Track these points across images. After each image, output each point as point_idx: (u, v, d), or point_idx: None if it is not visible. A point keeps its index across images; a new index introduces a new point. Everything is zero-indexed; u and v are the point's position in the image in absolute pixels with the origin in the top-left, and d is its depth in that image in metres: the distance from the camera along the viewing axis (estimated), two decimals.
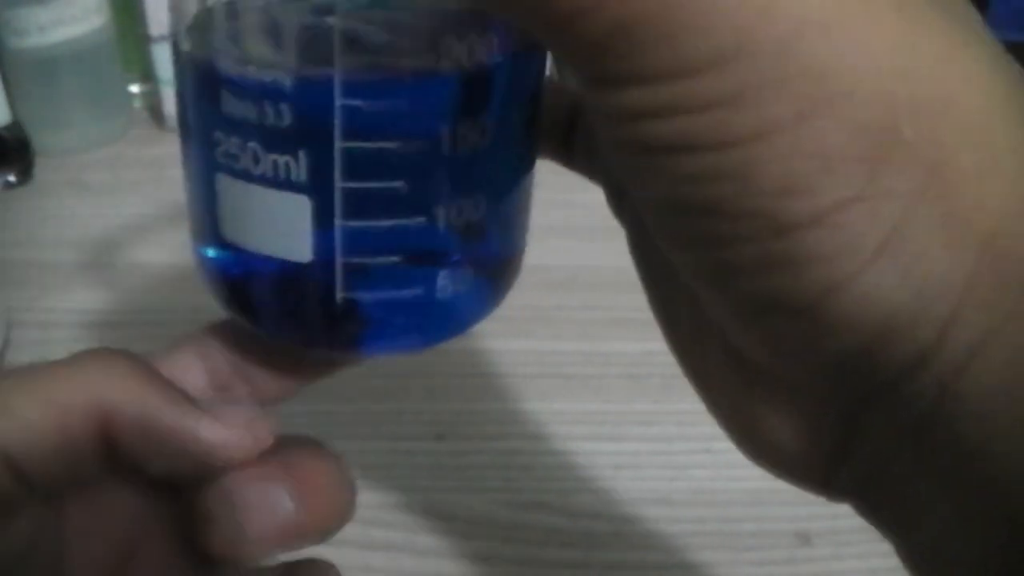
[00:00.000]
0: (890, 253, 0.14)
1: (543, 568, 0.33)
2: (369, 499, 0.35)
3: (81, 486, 0.20)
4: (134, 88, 0.64)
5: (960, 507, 0.15)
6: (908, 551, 0.17)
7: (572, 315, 0.45)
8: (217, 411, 0.20)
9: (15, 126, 0.54)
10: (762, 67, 0.14)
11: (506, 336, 0.43)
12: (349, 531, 0.34)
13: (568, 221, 0.50)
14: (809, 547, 0.33)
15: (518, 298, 0.46)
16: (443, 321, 0.22)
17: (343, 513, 0.22)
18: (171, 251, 0.46)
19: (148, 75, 0.62)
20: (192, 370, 0.22)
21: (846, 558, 0.33)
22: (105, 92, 0.58)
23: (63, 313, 0.44)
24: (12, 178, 0.54)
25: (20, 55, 0.54)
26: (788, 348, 0.16)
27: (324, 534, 0.22)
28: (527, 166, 0.22)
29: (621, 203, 0.23)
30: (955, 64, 0.14)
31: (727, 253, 0.15)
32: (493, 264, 0.22)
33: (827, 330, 0.15)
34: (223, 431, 0.20)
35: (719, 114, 0.14)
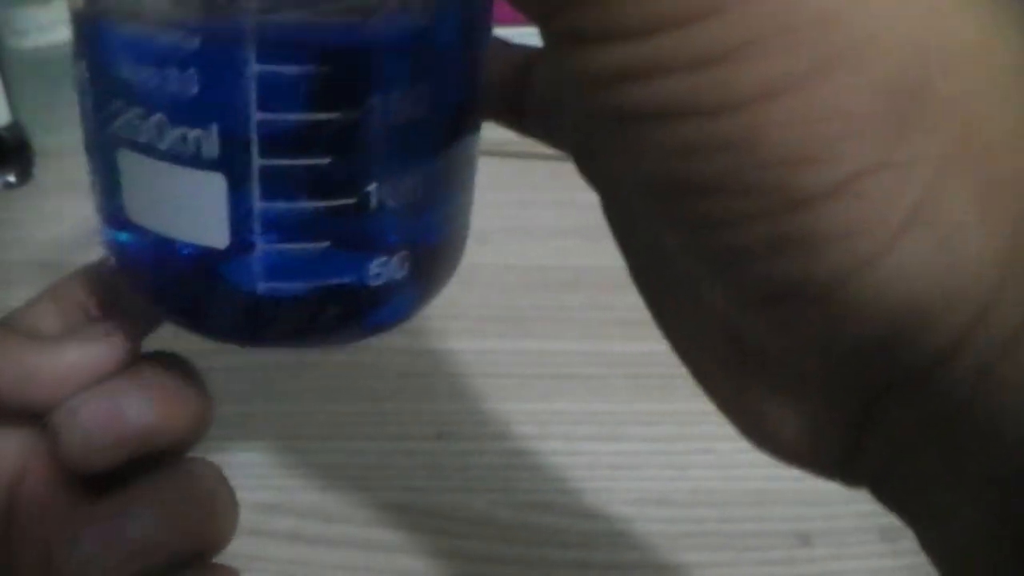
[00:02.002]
0: (920, 226, 0.12)
1: (543, 568, 0.33)
2: (369, 499, 0.35)
3: None
4: None
5: (993, 503, 0.14)
6: (929, 541, 0.16)
7: (572, 315, 0.45)
8: (70, 337, 0.21)
9: (15, 126, 0.54)
10: (768, 14, 0.12)
11: (506, 336, 0.43)
12: (349, 531, 0.34)
13: (568, 221, 0.50)
14: (809, 547, 0.33)
15: (518, 298, 0.46)
16: (377, 312, 0.20)
17: (196, 415, 0.22)
18: None
19: None
20: (47, 318, 0.23)
21: (846, 558, 0.33)
22: None
23: None
24: (12, 178, 0.54)
25: (20, 55, 0.54)
26: (802, 336, 0.14)
27: (178, 437, 0.22)
28: (469, 137, 0.19)
29: (591, 165, 0.21)
30: (985, 10, 0.13)
31: (731, 234, 0.13)
32: (432, 247, 0.20)
33: (848, 316, 0.13)
34: (79, 348, 0.21)
35: (718, 72, 0.12)
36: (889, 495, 0.16)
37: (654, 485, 0.36)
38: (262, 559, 0.32)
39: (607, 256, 0.48)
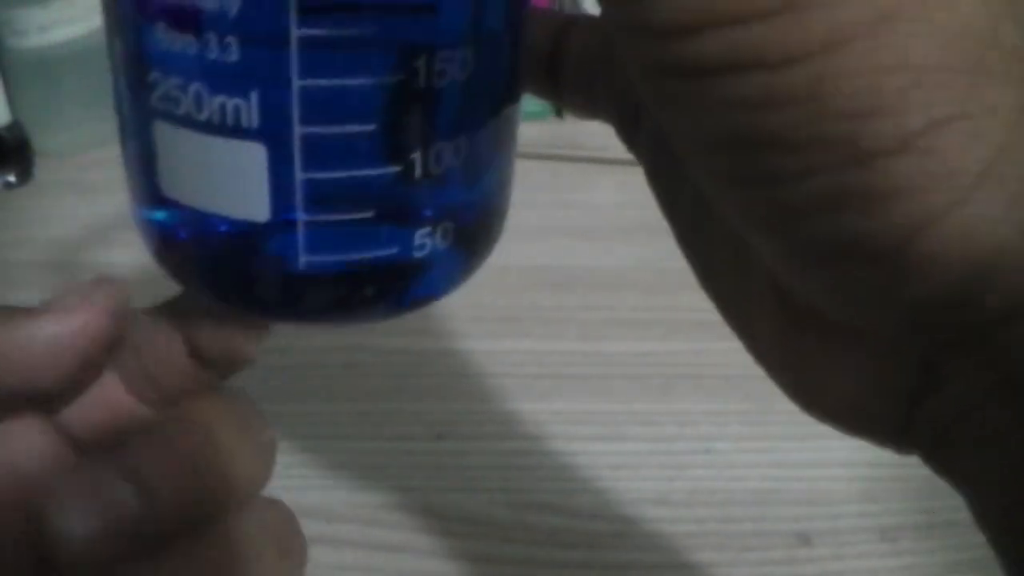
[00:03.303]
0: (994, 180, 0.12)
1: (543, 568, 0.33)
2: (369, 499, 0.35)
3: None
4: None
5: None
6: (981, 508, 0.15)
7: (572, 315, 0.45)
8: (45, 309, 0.19)
9: (15, 126, 0.54)
10: None
11: (506, 336, 0.43)
12: (349, 531, 0.34)
13: (568, 221, 0.50)
14: (809, 547, 0.33)
15: (518, 298, 0.46)
16: (421, 283, 0.19)
17: (228, 486, 0.19)
18: None
19: None
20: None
21: (846, 558, 0.33)
22: (105, 92, 0.58)
23: None
24: (12, 178, 0.54)
25: (20, 55, 0.54)
26: (862, 295, 0.14)
27: (200, 514, 0.19)
28: (512, 106, 0.19)
29: (634, 134, 0.21)
30: None
31: (792, 191, 0.13)
32: (476, 218, 0.20)
33: (915, 273, 0.13)
34: (57, 322, 0.19)
35: (782, 22, 0.12)
36: (945, 460, 0.16)
37: (654, 485, 0.36)
38: None
39: (607, 256, 0.48)
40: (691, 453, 0.37)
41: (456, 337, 0.42)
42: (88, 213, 0.51)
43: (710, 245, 0.18)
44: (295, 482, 0.36)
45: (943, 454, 0.16)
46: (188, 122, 0.17)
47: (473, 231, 0.20)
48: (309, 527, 0.35)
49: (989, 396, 0.14)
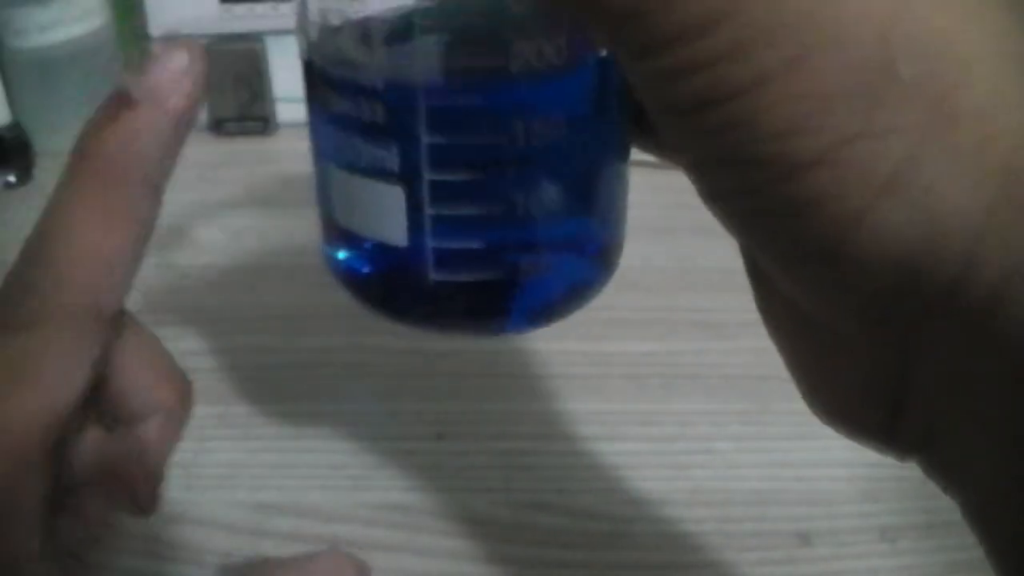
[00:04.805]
0: (898, 188, 0.14)
1: (543, 568, 0.33)
2: (369, 499, 0.35)
3: None
4: None
5: (1012, 453, 0.15)
6: (971, 509, 0.17)
7: (572, 315, 0.45)
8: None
9: (15, 126, 0.54)
10: (753, 20, 0.14)
11: (505, 336, 0.43)
12: (349, 531, 0.34)
13: None
14: (809, 547, 0.33)
15: None
16: (526, 307, 0.23)
17: None
18: (170, 251, 0.46)
19: None
20: None
21: (846, 558, 0.33)
22: (105, 93, 0.58)
23: None
24: (12, 178, 0.54)
25: (20, 55, 0.54)
26: (825, 293, 0.17)
27: None
28: (610, 156, 0.23)
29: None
30: (954, 4, 0.15)
31: (753, 202, 0.16)
32: (580, 254, 0.24)
33: (853, 271, 0.15)
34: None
35: (722, 68, 0.15)
36: (933, 462, 0.18)
37: (654, 485, 0.36)
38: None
39: None
40: (691, 453, 0.37)
41: (457, 337, 0.42)
42: None
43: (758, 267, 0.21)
44: (295, 482, 0.36)
45: (931, 456, 0.17)
46: (351, 167, 0.22)
47: (585, 263, 0.24)
48: (309, 527, 0.35)
49: (948, 390, 0.16)
